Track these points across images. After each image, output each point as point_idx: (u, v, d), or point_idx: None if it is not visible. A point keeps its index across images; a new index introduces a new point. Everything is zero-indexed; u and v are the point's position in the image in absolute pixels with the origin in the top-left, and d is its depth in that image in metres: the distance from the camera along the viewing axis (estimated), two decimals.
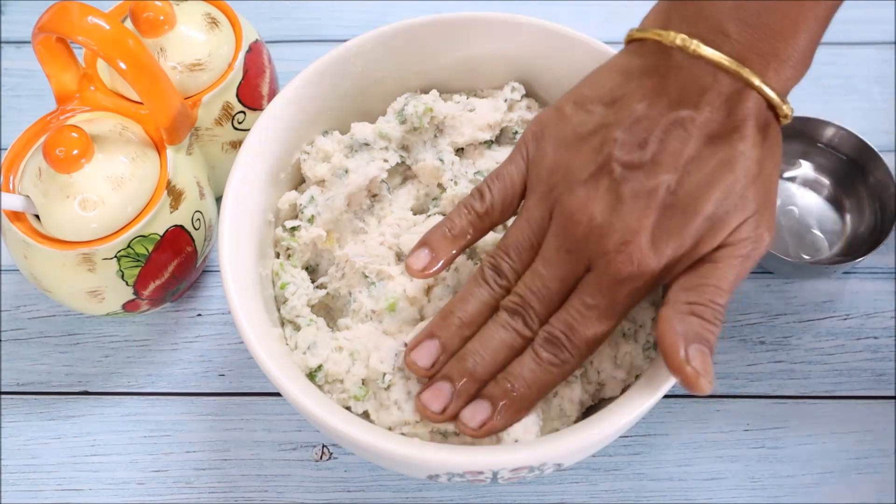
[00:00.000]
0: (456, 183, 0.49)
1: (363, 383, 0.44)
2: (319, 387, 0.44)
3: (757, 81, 0.37)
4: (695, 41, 0.37)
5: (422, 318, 0.45)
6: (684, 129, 0.37)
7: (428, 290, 0.46)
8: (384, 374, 0.43)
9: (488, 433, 0.40)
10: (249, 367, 0.53)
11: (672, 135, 0.37)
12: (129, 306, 0.50)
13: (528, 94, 0.53)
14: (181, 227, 0.49)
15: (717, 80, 0.37)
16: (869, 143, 0.57)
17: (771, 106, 0.38)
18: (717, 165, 0.37)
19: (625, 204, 0.37)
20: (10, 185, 0.47)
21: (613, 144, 0.38)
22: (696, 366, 0.36)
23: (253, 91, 0.54)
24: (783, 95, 0.38)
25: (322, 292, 0.47)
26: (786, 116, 0.39)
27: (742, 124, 0.37)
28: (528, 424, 0.41)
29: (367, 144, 0.49)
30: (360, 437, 0.38)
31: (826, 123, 0.58)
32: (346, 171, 0.47)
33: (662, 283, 0.39)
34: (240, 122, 0.54)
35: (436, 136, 0.50)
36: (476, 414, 0.40)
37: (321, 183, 0.48)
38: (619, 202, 0.37)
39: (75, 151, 0.44)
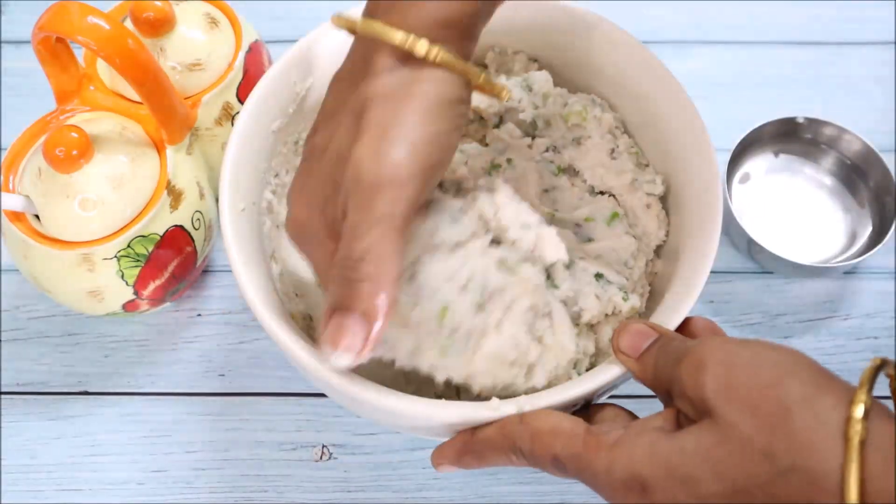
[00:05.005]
0: (455, 172, 0.48)
1: None
2: None
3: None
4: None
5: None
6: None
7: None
8: None
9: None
10: (249, 367, 0.53)
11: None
12: (128, 306, 0.50)
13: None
14: (181, 227, 0.49)
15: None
16: (869, 143, 0.57)
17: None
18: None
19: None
20: (10, 185, 0.47)
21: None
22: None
23: None
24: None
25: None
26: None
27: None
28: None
29: None
30: (364, 395, 0.37)
31: (826, 123, 0.58)
32: None
33: None
34: None
35: None
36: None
37: None
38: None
39: (75, 151, 0.44)
